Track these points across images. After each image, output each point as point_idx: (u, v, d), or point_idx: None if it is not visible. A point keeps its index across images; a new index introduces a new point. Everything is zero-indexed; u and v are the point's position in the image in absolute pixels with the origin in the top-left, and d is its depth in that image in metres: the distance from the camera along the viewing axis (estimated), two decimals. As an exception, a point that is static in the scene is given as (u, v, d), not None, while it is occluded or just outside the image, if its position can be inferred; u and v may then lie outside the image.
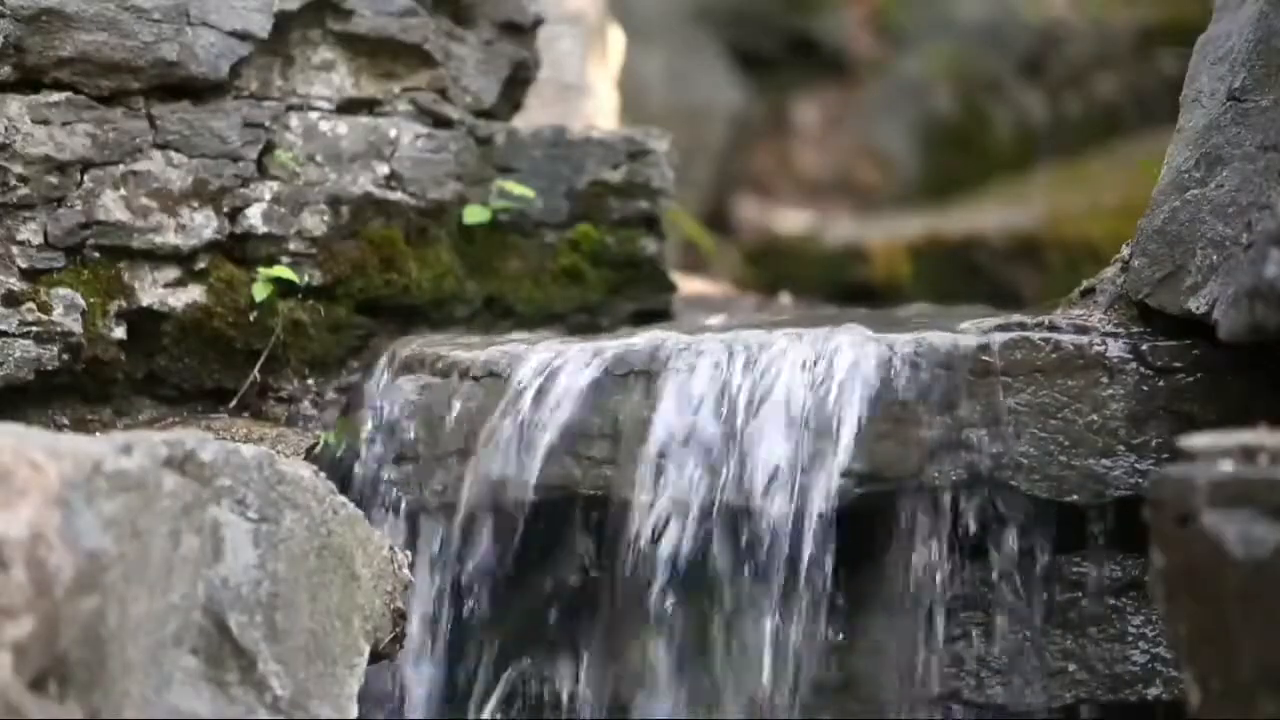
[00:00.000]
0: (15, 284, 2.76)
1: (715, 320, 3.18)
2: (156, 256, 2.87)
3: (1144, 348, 2.60)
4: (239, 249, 2.93)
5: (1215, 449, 1.91)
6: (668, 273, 3.23)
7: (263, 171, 2.94)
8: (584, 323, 3.14)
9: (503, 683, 2.67)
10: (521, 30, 3.18)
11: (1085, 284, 2.81)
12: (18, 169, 2.76)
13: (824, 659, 2.59)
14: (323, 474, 2.27)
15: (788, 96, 7.01)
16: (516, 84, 3.21)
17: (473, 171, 3.10)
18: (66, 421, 2.84)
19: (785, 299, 4.20)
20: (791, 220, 6.47)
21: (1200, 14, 2.95)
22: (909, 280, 5.41)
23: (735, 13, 6.95)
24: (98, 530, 1.91)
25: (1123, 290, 2.70)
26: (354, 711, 2.22)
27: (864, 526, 2.57)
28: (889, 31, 7.23)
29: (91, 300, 2.80)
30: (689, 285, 3.82)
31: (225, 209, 2.90)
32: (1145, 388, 2.59)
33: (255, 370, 2.92)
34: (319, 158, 2.98)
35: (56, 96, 2.80)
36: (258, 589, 2.13)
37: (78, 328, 2.78)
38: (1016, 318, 2.72)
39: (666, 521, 2.59)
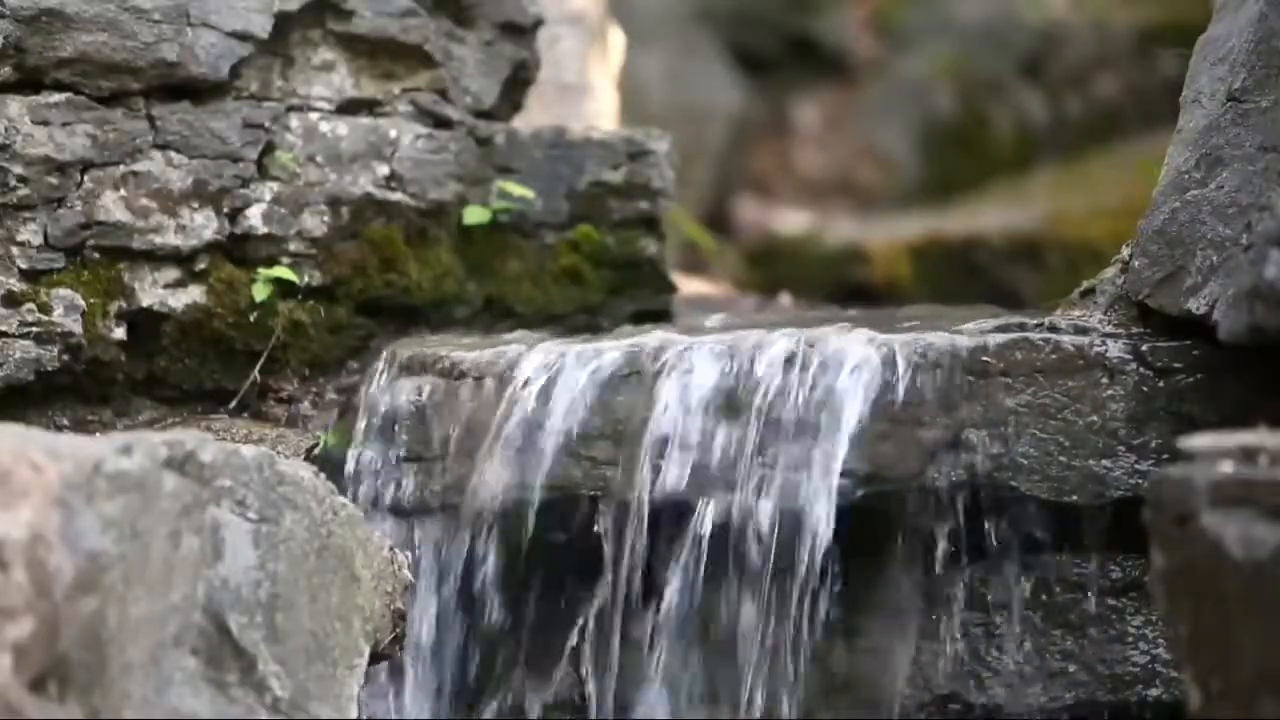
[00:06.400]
0: (15, 284, 2.76)
1: (715, 321, 3.17)
2: (156, 257, 2.87)
3: (1144, 348, 2.60)
4: (239, 249, 2.93)
5: (1215, 450, 1.91)
6: (668, 273, 3.23)
7: (263, 172, 2.94)
8: (584, 323, 3.14)
9: (505, 682, 2.67)
10: (522, 31, 3.18)
11: (1085, 285, 2.81)
12: (18, 169, 2.76)
13: (824, 659, 2.59)
14: (323, 475, 2.27)
15: (788, 97, 7.01)
16: (517, 84, 3.21)
17: (473, 172, 3.10)
18: (66, 422, 2.84)
19: (785, 299, 4.20)
20: (791, 221, 6.47)
21: (1200, 14, 2.95)
22: (909, 281, 5.41)
23: (735, 13, 6.94)
24: (98, 531, 1.91)
25: (1123, 291, 2.70)
26: (354, 712, 2.22)
27: (864, 527, 2.57)
28: (889, 31, 7.22)
29: (91, 301, 2.80)
30: (689, 286, 3.83)
31: (225, 209, 2.90)
32: (1145, 388, 2.59)
33: (255, 371, 2.92)
34: (319, 158, 2.98)
35: (56, 97, 2.80)
36: (258, 590, 2.13)
37: (78, 328, 2.78)
38: (1016, 318, 2.72)
39: (666, 522, 2.59)
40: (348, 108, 3.03)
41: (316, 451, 2.81)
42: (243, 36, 2.90)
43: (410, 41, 3.05)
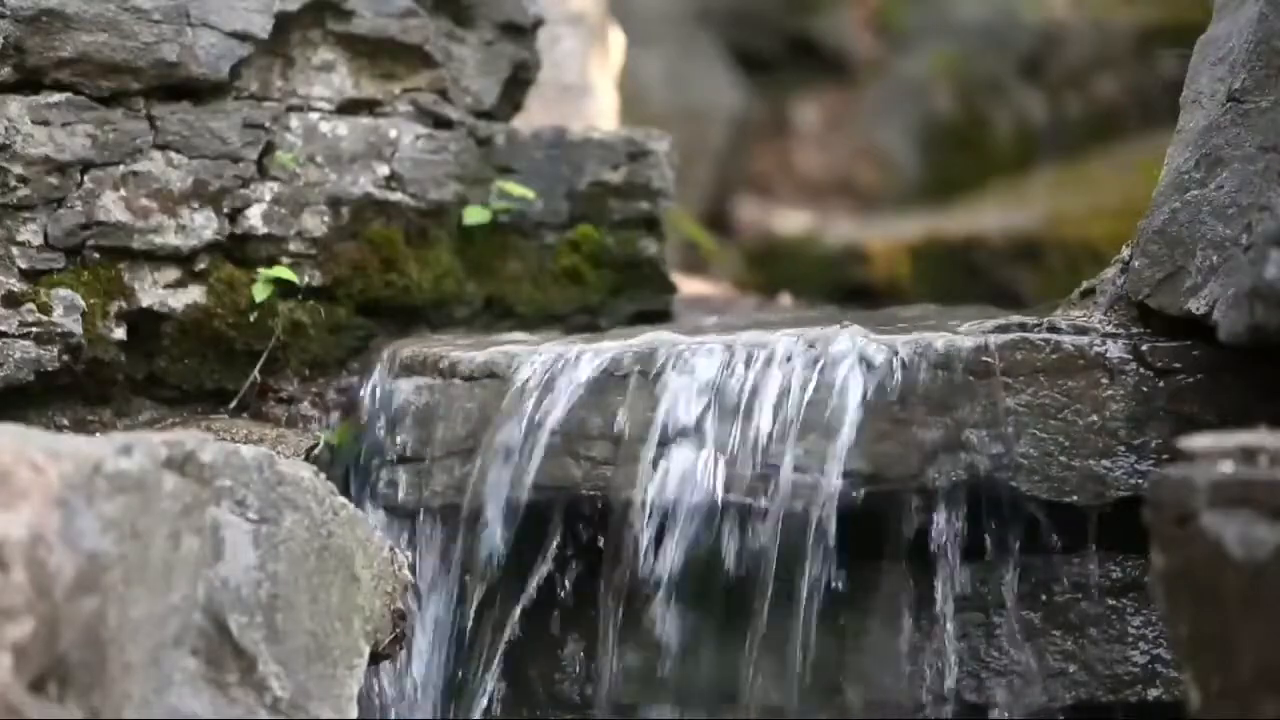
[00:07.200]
0: (15, 285, 2.76)
1: (715, 321, 3.17)
2: (156, 257, 2.87)
3: (1144, 349, 2.60)
4: (239, 250, 2.93)
5: (1215, 450, 1.91)
6: (668, 274, 3.23)
7: (263, 172, 2.94)
8: (584, 323, 3.14)
9: (504, 682, 2.67)
10: (522, 31, 3.18)
11: (1085, 285, 2.81)
12: (18, 169, 2.76)
13: (824, 659, 2.59)
14: (323, 475, 2.27)
15: (788, 97, 7.02)
16: (517, 85, 3.21)
17: (473, 172, 3.10)
18: (66, 422, 2.84)
19: (785, 300, 4.20)
20: (791, 221, 6.47)
21: (1200, 14, 2.95)
22: (909, 281, 5.41)
23: (735, 14, 6.95)
24: (98, 531, 1.91)
25: (1123, 291, 2.70)
26: (354, 712, 2.22)
27: (864, 527, 2.57)
28: (889, 32, 7.23)
29: (91, 301, 2.80)
30: (689, 286, 3.82)
31: (225, 210, 2.90)
32: (1145, 389, 2.59)
33: (255, 371, 2.92)
34: (319, 158, 2.98)
35: (57, 97, 2.80)
36: (258, 590, 2.13)
37: (78, 328, 2.78)
38: (1016, 318, 2.72)
39: (666, 522, 2.59)
40: (348, 108, 3.03)
41: (316, 451, 2.81)
42: (243, 36, 2.90)
43: (410, 41, 3.05)
